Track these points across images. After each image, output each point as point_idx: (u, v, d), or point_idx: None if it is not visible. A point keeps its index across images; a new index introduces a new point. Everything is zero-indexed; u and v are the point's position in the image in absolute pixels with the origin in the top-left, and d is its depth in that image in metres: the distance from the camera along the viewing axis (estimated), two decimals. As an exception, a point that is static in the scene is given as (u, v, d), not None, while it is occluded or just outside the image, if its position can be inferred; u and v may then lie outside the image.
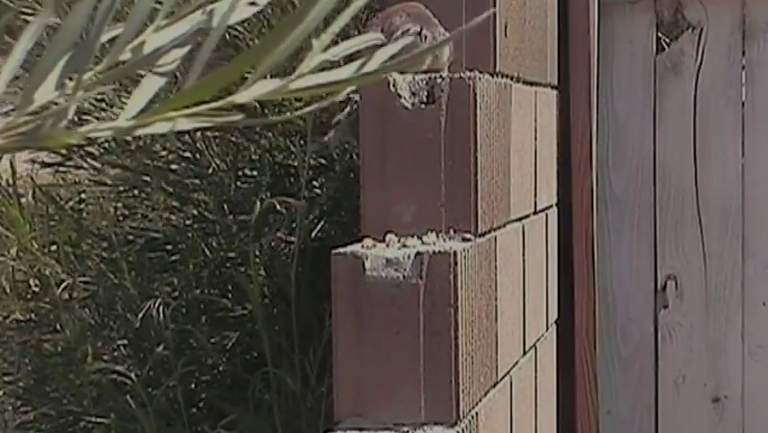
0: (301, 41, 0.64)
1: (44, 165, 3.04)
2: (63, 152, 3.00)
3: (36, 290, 2.89)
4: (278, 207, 2.76)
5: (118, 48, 0.63)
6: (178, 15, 0.65)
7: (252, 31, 2.74)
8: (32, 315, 2.91)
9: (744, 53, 3.24)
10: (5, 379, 2.92)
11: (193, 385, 2.88)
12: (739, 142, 3.24)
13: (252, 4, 0.67)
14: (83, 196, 3.01)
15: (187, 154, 2.91)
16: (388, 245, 2.02)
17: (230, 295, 2.91)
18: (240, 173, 2.89)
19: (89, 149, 2.97)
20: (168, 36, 0.65)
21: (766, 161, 3.24)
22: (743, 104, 3.24)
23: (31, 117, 0.61)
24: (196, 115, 0.63)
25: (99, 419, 2.82)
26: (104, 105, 2.76)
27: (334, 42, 0.67)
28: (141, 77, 0.66)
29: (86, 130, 0.62)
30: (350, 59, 0.69)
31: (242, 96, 0.63)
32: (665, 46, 3.26)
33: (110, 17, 0.63)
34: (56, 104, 0.62)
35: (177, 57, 0.65)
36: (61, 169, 3.04)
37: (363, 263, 1.94)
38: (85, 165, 2.98)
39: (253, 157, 2.90)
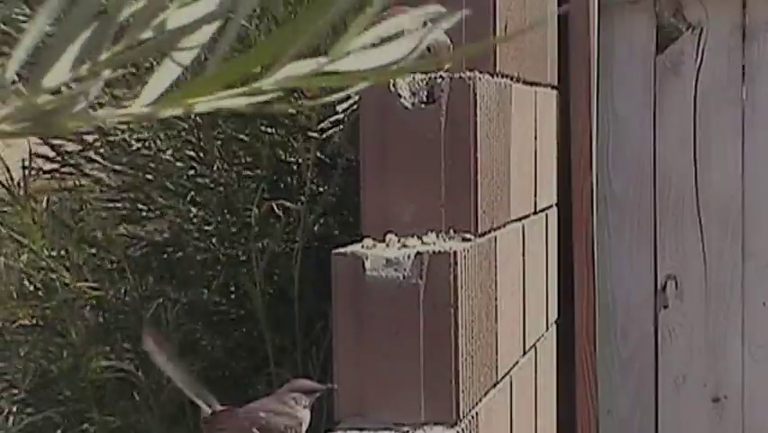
0: (332, 24, 0.59)
1: (44, 172, 3.02)
2: (64, 151, 3.00)
3: (42, 295, 2.89)
4: (276, 209, 2.76)
5: (139, 25, 0.58)
6: None
7: (260, 27, 2.73)
8: (39, 320, 2.91)
9: (744, 53, 3.24)
10: (10, 378, 2.92)
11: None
12: (739, 142, 3.24)
13: None
14: (85, 197, 3.01)
15: (191, 153, 2.91)
16: (388, 245, 2.02)
17: (233, 295, 2.91)
18: (243, 171, 2.89)
19: (87, 153, 2.96)
20: (192, 14, 0.59)
21: (766, 161, 3.24)
22: (743, 104, 3.24)
23: (44, 101, 0.56)
24: (217, 100, 0.58)
25: (105, 418, 2.82)
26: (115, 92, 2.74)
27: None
28: (159, 60, 0.60)
29: (100, 116, 0.58)
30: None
31: (269, 82, 0.57)
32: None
33: None
34: (69, 87, 0.57)
35: (202, 37, 0.59)
36: (60, 173, 3.02)
37: (363, 263, 1.94)
38: (85, 170, 2.97)
39: (256, 155, 2.90)
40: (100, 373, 2.81)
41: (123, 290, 2.87)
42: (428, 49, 2.41)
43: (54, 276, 2.85)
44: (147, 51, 0.59)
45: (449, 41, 2.20)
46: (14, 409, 2.90)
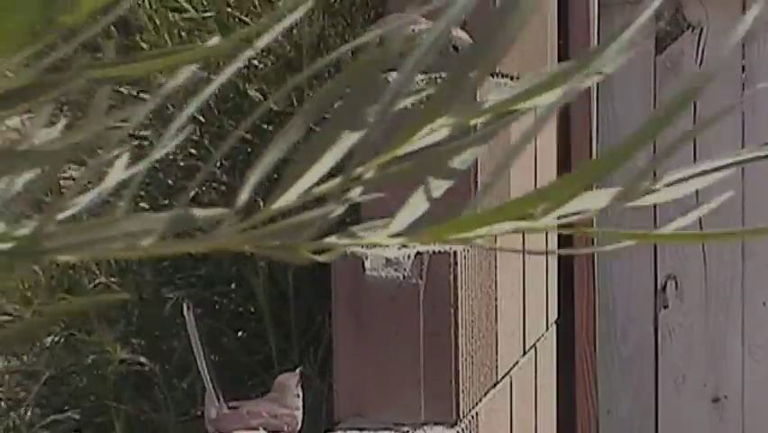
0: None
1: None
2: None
3: (68, 289, 2.90)
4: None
5: (404, 136, 0.49)
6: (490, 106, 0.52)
7: None
8: (62, 314, 2.92)
9: (744, 53, 3.25)
10: (32, 371, 2.93)
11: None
12: (739, 142, 3.24)
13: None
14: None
15: (194, 151, 2.91)
16: (388, 245, 2.02)
17: (233, 295, 2.91)
18: (244, 168, 2.89)
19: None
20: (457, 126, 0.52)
21: (766, 162, 3.24)
22: (743, 104, 3.24)
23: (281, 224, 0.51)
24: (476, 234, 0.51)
25: (124, 413, 2.82)
26: None
27: None
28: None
29: (343, 244, 0.51)
30: None
31: (546, 221, 0.51)
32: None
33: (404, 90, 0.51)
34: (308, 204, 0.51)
35: (470, 159, 0.52)
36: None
37: (363, 263, 1.94)
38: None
39: (258, 152, 2.89)
40: (120, 362, 2.81)
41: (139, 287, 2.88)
42: (455, 48, 2.41)
43: (83, 271, 2.86)
44: (408, 173, 0.51)
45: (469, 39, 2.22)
46: (34, 401, 2.91)
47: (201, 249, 0.51)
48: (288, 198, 0.51)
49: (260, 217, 0.51)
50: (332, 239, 0.51)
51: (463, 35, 2.22)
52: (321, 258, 0.51)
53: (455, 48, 2.20)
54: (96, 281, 2.86)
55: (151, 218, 0.49)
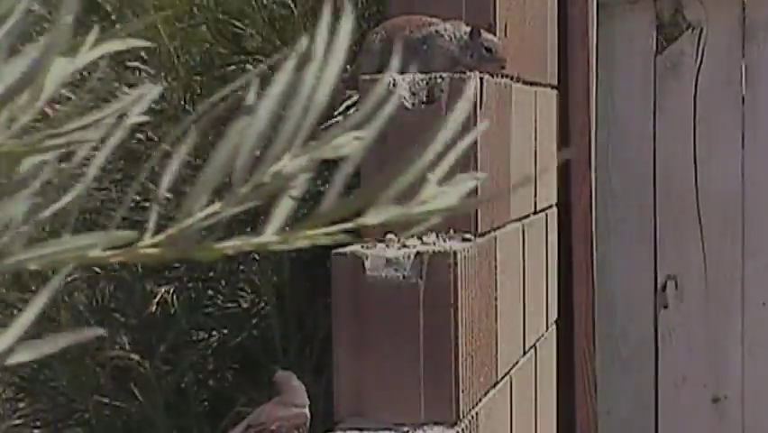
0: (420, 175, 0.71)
1: None
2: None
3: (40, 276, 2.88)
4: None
5: (262, 172, 0.70)
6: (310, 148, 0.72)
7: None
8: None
9: (744, 53, 3.25)
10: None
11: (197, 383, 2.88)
12: (739, 142, 3.24)
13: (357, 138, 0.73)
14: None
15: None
16: (387, 245, 2.02)
17: (226, 293, 2.91)
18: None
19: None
20: (300, 163, 0.72)
21: (766, 161, 3.24)
22: (743, 104, 3.24)
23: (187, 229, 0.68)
24: (331, 233, 0.70)
25: (100, 407, 2.82)
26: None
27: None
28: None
29: (235, 245, 0.69)
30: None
31: (370, 219, 0.72)
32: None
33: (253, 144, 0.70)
34: (205, 219, 0.69)
35: (303, 181, 0.73)
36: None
37: (363, 263, 1.94)
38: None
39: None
40: (100, 354, 2.80)
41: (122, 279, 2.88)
42: (489, 50, 2.43)
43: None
44: (267, 192, 0.70)
45: (499, 41, 2.23)
46: (10, 395, 2.90)
47: (126, 260, 0.68)
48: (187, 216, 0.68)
49: (172, 232, 0.67)
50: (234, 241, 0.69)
51: (493, 37, 2.23)
52: (216, 254, 0.68)
53: (488, 50, 2.21)
54: (72, 277, 2.84)
55: (96, 236, 0.67)
